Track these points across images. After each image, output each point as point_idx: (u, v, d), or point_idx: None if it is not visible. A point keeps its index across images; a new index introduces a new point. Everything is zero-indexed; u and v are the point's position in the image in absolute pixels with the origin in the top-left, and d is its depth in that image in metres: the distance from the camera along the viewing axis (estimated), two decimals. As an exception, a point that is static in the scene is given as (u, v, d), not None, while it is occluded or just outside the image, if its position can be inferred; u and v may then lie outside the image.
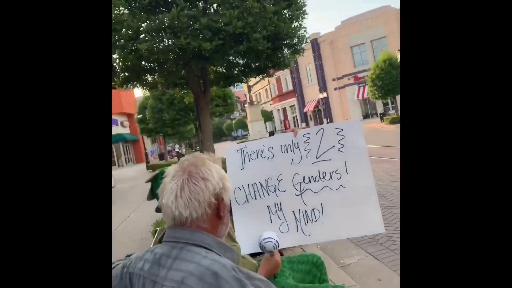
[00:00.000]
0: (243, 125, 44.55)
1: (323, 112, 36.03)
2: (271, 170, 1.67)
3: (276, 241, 1.52)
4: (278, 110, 45.67)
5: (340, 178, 1.65)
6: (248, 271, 0.86)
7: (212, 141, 6.20)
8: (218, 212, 0.97)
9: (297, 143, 1.70)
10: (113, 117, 15.87)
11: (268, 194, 1.65)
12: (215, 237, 0.95)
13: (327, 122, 33.01)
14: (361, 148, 1.67)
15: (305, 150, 1.69)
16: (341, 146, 1.68)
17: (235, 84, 8.10)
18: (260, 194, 1.66)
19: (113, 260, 1.07)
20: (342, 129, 1.69)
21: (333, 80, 34.55)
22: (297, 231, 1.63)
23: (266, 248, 1.51)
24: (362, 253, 3.50)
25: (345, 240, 3.94)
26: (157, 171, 2.48)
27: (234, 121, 56.04)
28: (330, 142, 1.69)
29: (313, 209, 1.63)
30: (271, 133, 32.06)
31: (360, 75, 31.89)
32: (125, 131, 34.57)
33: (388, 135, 16.53)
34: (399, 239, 3.60)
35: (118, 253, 4.41)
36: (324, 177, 1.66)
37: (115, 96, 29.21)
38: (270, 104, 46.95)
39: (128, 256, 1.13)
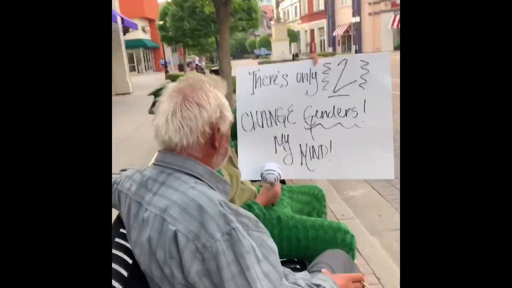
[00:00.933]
0: (267, 43, 42.81)
1: (353, 38, 34.10)
2: (283, 99, 1.57)
3: (279, 173, 1.49)
4: (306, 31, 43.38)
5: (355, 117, 1.54)
6: (236, 207, 0.82)
7: (229, 58, 5.96)
8: (213, 142, 0.91)
9: (315, 72, 1.56)
10: (134, 21, 15.29)
11: (277, 124, 1.58)
12: (207, 167, 0.90)
13: (356, 49, 31.47)
14: (385, 86, 1.53)
15: (322, 81, 1.56)
16: (364, 81, 1.54)
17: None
18: (268, 123, 1.58)
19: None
20: (368, 63, 1.53)
21: (369, 4, 32.00)
22: (301, 164, 1.58)
23: (267, 180, 1.48)
24: (367, 187, 3.53)
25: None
26: (161, 84, 2.40)
27: (258, 38, 53.88)
28: (352, 75, 1.54)
29: (321, 145, 1.56)
30: (295, 56, 30.89)
31: (398, 1, 29.36)
32: (146, 37, 33.80)
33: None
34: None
35: (127, 159, 4.59)
36: (338, 114, 1.55)
37: (138, 0, 28.03)
38: (298, 24, 44.51)
39: (123, 170, 1.12)
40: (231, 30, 13.88)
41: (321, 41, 41.20)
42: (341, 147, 1.55)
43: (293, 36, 39.83)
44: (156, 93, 2.28)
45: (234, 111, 1.62)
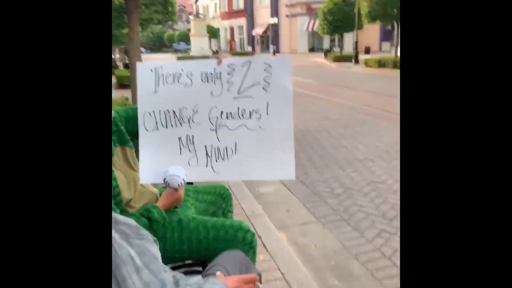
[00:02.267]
0: (186, 37, 41.96)
1: (271, 38, 35.16)
2: (187, 99, 1.54)
3: (183, 179, 1.45)
4: (226, 29, 43.57)
5: (259, 119, 1.58)
6: (114, 215, 0.78)
7: (140, 51, 5.70)
8: None
9: (220, 73, 1.56)
10: None
11: (181, 125, 1.54)
12: None
13: (274, 50, 32.50)
14: (287, 89, 1.59)
15: (227, 82, 1.56)
16: (266, 84, 1.58)
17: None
18: (172, 124, 1.54)
19: None
20: (271, 66, 1.58)
21: (286, 6, 33.30)
22: (207, 166, 1.57)
23: (170, 185, 1.44)
24: (277, 183, 3.67)
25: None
26: None
27: (176, 32, 52.47)
28: (255, 78, 1.57)
29: (226, 146, 1.57)
30: (215, 52, 30.78)
31: (313, 5, 31.05)
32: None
33: (328, 72, 16.84)
34: (311, 174, 3.83)
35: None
36: (243, 115, 1.57)
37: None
38: (219, 21, 44.45)
39: None
40: (145, 22, 13.25)
41: (240, 39, 41.71)
42: (245, 149, 1.57)
43: (214, 33, 39.67)
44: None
45: (137, 109, 1.55)
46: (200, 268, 1.45)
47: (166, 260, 1.15)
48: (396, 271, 2.16)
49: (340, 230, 2.69)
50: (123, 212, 1.38)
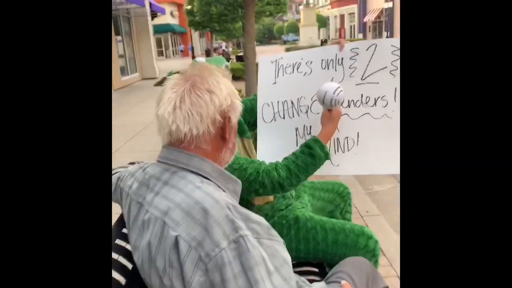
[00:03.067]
0: (295, 28, 42.04)
1: (384, 24, 32.88)
2: (306, 88, 1.45)
3: (342, 91, 1.28)
4: (336, 16, 42.20)
5: (385, 106, 1.41)
6: (247, 211, 0.73)
7: (254, 44, 5.82)
8: (223, 133, 0.82)
9: (342, 58, 1.43)
10: (163, 5, 15.28)
11: (299, 115, 1.46)
12: (216, 164, 0.81)
13: (387, 36, 30.37)
14: None
15: (350, 68, 1.43)
16: (395, 68, 1.40)
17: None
18: (289, 114, 1.48)
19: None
20: (399, 48, 1.39)
21: (403, -13, 30.63)
22: None
23: (339, 101, 1.28)
24: (393, 181, 3.37)
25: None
26: (167, 74, 2.31)
27: (286, 23, 52.94)
28: (382, 61, 1.41)
29: (347, 137, 1.44)
30: (323, 42, 30.14)
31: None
32: (174, 21, 33.89)
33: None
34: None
35: (153, 144, 4.59)
36: (367, 103, 1.42)
37: (166, -18, 28.08)
38: (328, 9, 43.35)
39: (131, 163, 1.05)
40: (258, 15, 13.63)
41: (351, 27, 39.99)
42: (369, 140, 1.43)
43: (322, 22, 38.89)
44: (162, 84, 2.20)
45: (253, 100, 1.52)
46: (316, 269, 1.37)
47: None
48: None
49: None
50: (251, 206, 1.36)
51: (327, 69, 1.44)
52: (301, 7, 33.61)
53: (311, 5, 32.04)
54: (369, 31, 36.42)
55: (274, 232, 0.77)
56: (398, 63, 1.39)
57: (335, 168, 1.47)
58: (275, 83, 1.48)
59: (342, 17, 40.97)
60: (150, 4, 12.17)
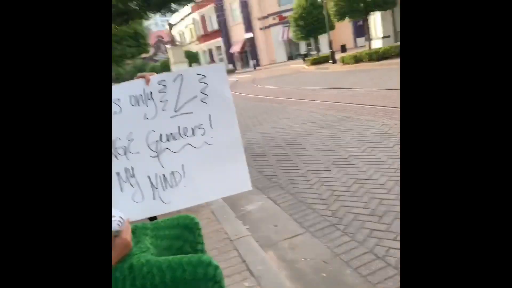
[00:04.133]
0: (168, 67, 42.13)
1: (249, 53, 35.36)
2: (119, 128, 1.39)
3: (120, 217, 1.27)
4: (204, 51, 43.90)
5: (203, 134, 1.44)
6: None
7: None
8: None
9: (151, 92, 1.42)
10: None
11: (117, 158, 1.39)
12: None
13: (255, 64, 32.65)
14: (226, 97, 1.45)
15: (161, 101, 1.43)
16: (205, 96, 1.45)
17: (134, 19, 7.22)
18: None
19: None
20: (205, 76, 1.45)
21: (259, 19, 33.63)
22: (154, 199, 1.42)
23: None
24: (262, 198, 3.50)
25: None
26: None
27: (159, 63, 52.74)
28: (191, 91, 1.44)
29: (172, 171, 1.42)
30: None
31: (284, 14, 31.35)
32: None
33: (308, 76, 16.83)
34: (297, 181, 3.66)
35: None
36: (185, 134, 1.43)
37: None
38: (196, 44, 44.80)
39: None
40: (120, 59, 13.27)
41: (220, 59, 41.91)
42: (195, 170, 1.43)
43: (193, 57, 39.87)
44: None
45: None
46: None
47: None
48: (391, 272, 1.99)
49: (330, 236, 2.52)
50: None
51: (138, 105, 1.41)
52: (168, 46, 33.95)
53: (178, 43, 32.64)
54: (238, 61, 38.69)
55: None
56: (206, 91, 1.44)
57: (167, 206, 1.43)
58: None
59: (210, 51, 42.77)
60: None
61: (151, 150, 1.41)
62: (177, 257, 1.36)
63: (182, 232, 1.67)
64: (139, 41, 13.14)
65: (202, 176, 1.44)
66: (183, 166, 1.43)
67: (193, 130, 1.44)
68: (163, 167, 1.42)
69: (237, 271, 2.17)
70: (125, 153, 1.39)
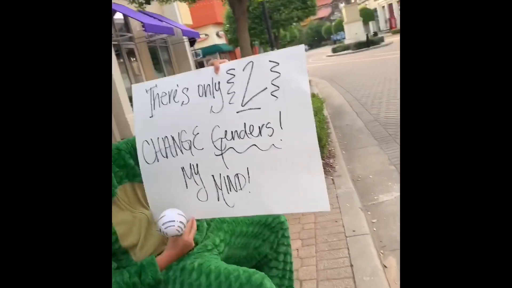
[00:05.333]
0: (342, 26, 40.83)
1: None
2: (185, 120, 1.29)
3: (180, 222, 1.19)
4: (383, 6, 40.24)
5: (271, 135, 1.19)
6: None
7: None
8: None
9: (219, 82, 1.25)
10: (208, 28, 15.63)
11: (182, 152, 1.29)
12: None
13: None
14: (302, 91, 1.16)
15: (228, 93, 1.24)
16: (275, 88, 1.18)
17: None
18: (172, 152, 1.31)
19: None
20: (278, 63, 1.18)
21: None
22: (218, 200, 1.28)
23: (169, 234, 1.19)
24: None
25: (389, 169, 3.42)
26: None
27: (333, 23, 51.71)
28: (261, 82, 1.20)
29: (237, 174, 1.24)
30: (374, 34, 28.72)
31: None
32: (221, 41, 34.86)
33: None
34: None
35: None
36: (251, 133, 1.21)
37: (209, 7, 29.10)
38: (374, 0, 41.51)
39: None
40: (287, 23, 13.43)
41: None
42: (261, 176, 1.22)
43: (369, 15, 37.28)
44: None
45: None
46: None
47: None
48: None
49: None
50: (121, 261, 1.25)
51: (205, 96, 1.27)
52: (342, 5, 32.61)
53: (353, 1, 30.91)
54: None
55: None
56: (278, 82, 1.18)
57: (231, 210, 1.28)
58: (152, 116, 1.34)
59: (390, 6, 38.89)
60: (183, 31, 12.61)
61: (216, 147, 1.26)
62: (231, 268, 1.21)
63: (262, 230, 1.51)
64: (306, 3, 12.89)
65: (268, 184, 1.21)
66: (248, 169, 1.24)
67: (260, 129, 1.20)
68: (227, 167, 1.26)
69: (338, 276, 1.90)
70: (190, 148, 1.29)
